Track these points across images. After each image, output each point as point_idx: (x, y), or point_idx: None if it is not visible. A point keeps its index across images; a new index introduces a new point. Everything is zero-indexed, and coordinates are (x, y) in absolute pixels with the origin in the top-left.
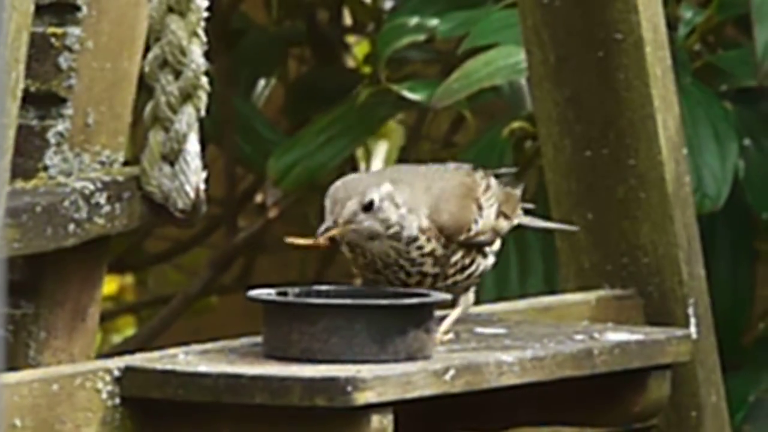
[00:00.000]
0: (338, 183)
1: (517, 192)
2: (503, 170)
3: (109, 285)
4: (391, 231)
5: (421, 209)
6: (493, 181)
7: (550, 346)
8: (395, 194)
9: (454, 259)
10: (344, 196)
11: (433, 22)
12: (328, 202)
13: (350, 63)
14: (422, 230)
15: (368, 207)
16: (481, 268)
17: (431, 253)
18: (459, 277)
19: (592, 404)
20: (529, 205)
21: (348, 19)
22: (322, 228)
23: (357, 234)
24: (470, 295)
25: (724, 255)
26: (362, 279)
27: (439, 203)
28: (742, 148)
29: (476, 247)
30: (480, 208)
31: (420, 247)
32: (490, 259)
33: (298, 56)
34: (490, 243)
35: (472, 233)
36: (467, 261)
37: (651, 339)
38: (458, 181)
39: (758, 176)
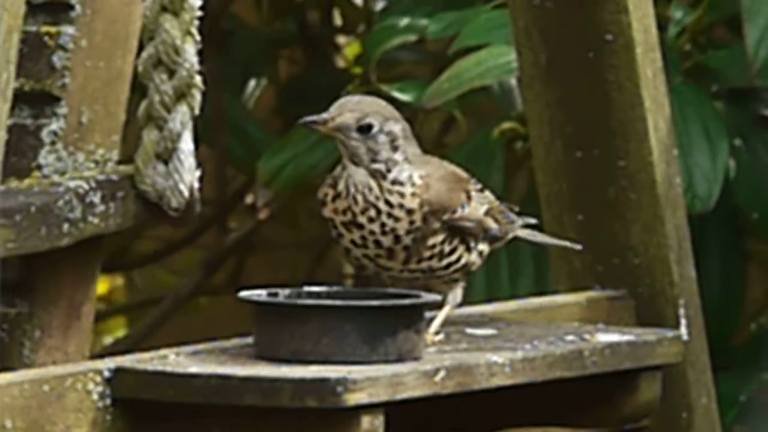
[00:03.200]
0: (358, 96)
1: (514, 217)
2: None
3: (100, 286)
4: (375, 166)
5: (421, 168)
6: (490, 194)
7: (540, 347)
8: (399, 139)
9: (432, 240)
10: (349, 107)
11: (424, 22)
12: (337, 102)
13: (341, 64)
14: (412, 181)
15: (363, 129)
16: (463, 261)
17: (409, 213)
18: (436, 264)
19: (583, 405)
20: (532, 220)
21: (338, 20)
22: (311, 118)
23: (342, 148)
24: (458, 293)
25: (715, 256)
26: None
27: (429, 181)
28: (733, 148)
29: (459, 236)
30: (469, 198)
31: (402, 194)
32: (474, 257)
33: (288, 57)
34: (476, 234)
35: (456, 215)
36: (447, 248)
37: (642, 340)
38: (452, 169)
39: (749, 176)
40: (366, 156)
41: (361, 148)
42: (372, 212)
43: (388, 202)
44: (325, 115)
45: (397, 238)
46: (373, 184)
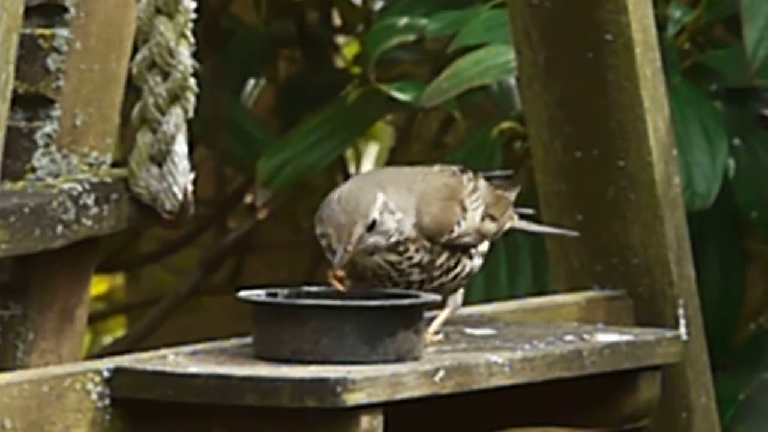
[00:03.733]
0: (334, 206)
1: (511, 195)
2: (498, 173)
3: (100, 285)
4: (392, 240)
5: (411, 209)
6: (482, 183)
7: (540, 347)
8: (389, 202)
9: (438, 261)
10: (348, 221)
11: (423, 22)
12: (331, 230)
13: (340, 63)
14: (410, 239)
15: (371, 227)
16: (468, 269)
17: (419, 263)
18: (444, 279)
19: (582, 405)
20: (528, 210)
21: (337, 20)
22: (338, 258)
23: (363, 252)
24: (458, 296)
25: (714, 256)
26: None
27: (420, 205)
28: (732, 148)
29: (461, 249)
30: (464, 209)
31: (410, 258)
32: (477, 261)
33: (287, 57)
34: (475, 245)
35: (454, 234)
36: (452, 263)
37: (641, 340)
38: (441, 182)
39: (748, 176)
40: (383, 240)
41: (379, 239)
42: (382, 278)
43: (398, 270)
44: (341, 250)
45: (411, 282)
46: (383, 263)
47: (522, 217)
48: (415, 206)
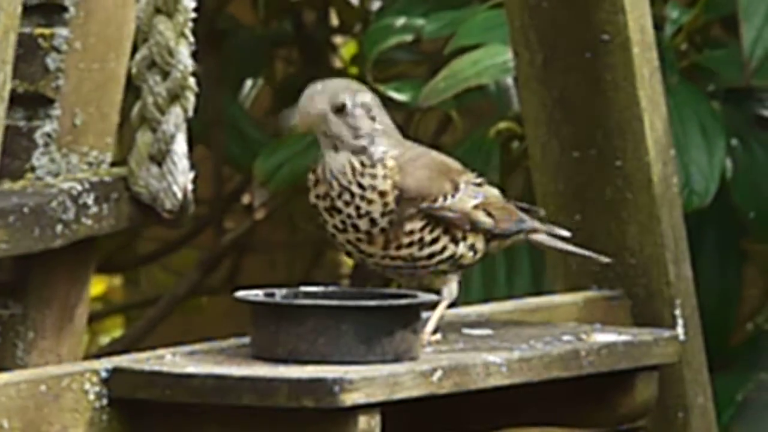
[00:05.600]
0: (318, 83)
1: (522, 214)
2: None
3: (97, 286)
4: (359, 142)
5: (394, 147)
6: (492, 189)
7: (537, 347)
8: (373, 108)
9: (409, 226)
10: (318, 92)
11: (420, 22)
12: (301, 98)
13: (337, 64)
14: (383, 163)
15: (339, 109)
16: (448, 252)
17: (382, 195)
18: (417, 252)
19: (580, 405)
20: (564, 232)
21: (335, 20)
22: (289, 118)
23: (324, 137)
24: (453, 288)
25: (712, 256)
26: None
27: (409, 165)
28: (730, 148)
29: (442, 227)
30: (455, 188)
31: (374, 176)
32: (461, 248)
33: (285, 57)
34: (459, 226)
35: (436, 205)
36: (427, 236)
37: (638, 340)
38: (442, 159)
39: (745, 176)
40: (349, 135)
41: (343, 128)
42: (347, 196)
43: (360, 185)
44: (299, 112)
45: (373, 221)
46: (348, 167)
47: (553, 236)
48: (401, 164)
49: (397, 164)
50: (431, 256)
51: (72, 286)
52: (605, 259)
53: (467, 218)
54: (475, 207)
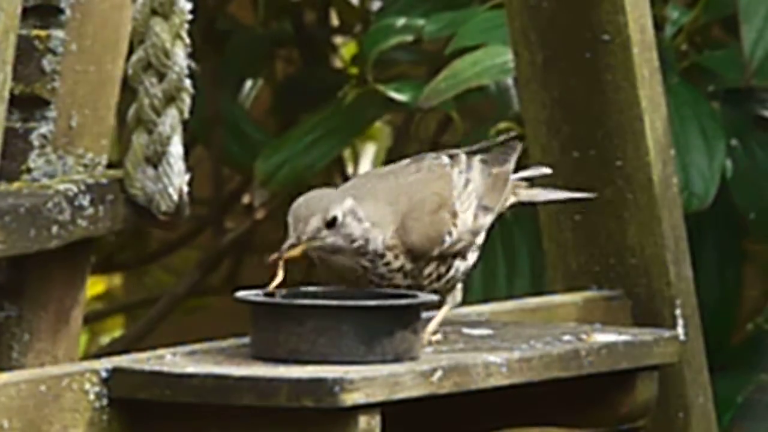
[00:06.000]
0: (300, 200)
1: (508, 166)
2: (501, 138)
3: (98, 285)
4: (356, 245)
5: (387, 224)
6: (475, 168)
7: (537, 347)
8: (357, 209)
9: (427, 271)
10: (307, 213)
11: (420, 22)
12: (290, 219)
13: (337, 64)
14: (388, 247)
15: (331, 223)
16: (462, 269)
17: (400, 269)
18: (437, 285)
19: (580, 405)
20: (544, 169)
21: (335, 20)
22: (286, 245)
23: (321, 250)
24: (457, 294)
25: (712, 256)
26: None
27: (407, 221)
28: (730, 148)
29: (452, 255)
30: (454, 215)
31: (387, 263)
32: (471, 258)
33: (285, 57)
34: (468, 246)
35: (445, 246)
36: (443, 269)
37: (638, 340)
38: (430, 191)
39: (746, 177)
40: (345, 243)
41: (339, 240)
42: (367, 281)
43: (379, 275)
44: (292, 238)
45: (397, 287)
46: (358, 267)
47: (532, 184)
48: (399, 223)
49: (398, 236)
50: (448, 280)
51: (68, 288)
52: (591, 195)
53: (472, 234)
54: (475, 216)
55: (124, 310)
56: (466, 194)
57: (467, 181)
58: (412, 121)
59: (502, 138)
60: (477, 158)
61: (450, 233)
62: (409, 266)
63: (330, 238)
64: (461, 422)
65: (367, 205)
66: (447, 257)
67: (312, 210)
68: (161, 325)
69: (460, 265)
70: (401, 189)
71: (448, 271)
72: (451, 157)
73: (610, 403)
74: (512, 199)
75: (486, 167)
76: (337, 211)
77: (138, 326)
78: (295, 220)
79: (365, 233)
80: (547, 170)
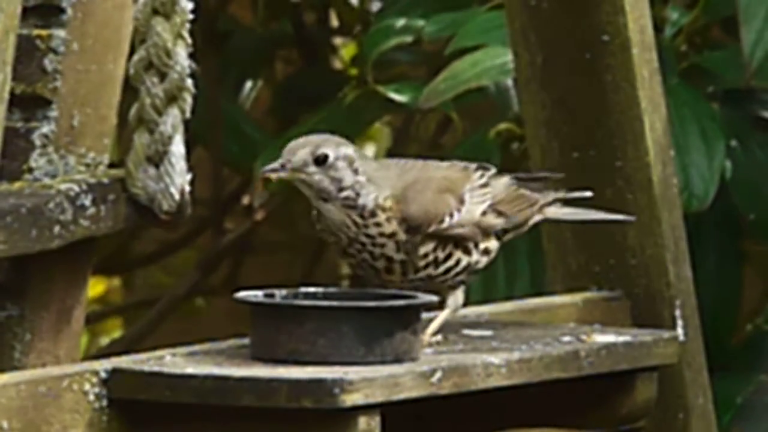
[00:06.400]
0: (301, 137)
1: (541, 196)
2: (543, 174)
3: (97, 287)
4: (343, 194)
5: (385, 186)
6: (501, 181)
7: (537, 348)
8: (357, 162)
9: (423, 250)
10: (298, 145)
11: (420, 23)
12: (284, 150)
13: (337, 64)
14: (381, 207)
15: (320, 160)
16: (463, 264)
17: (392, 236)
18: (433, 271)
19: (580, 406)
20: (588, 193)
21: (335, 21)
22: (268, 167)
23: (308, 188)
24: (459, 296)
25: (712, 257)
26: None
27: (408, 192)
28: (729, 149)
29: (453, 242)
30: (461, 202)
31: (378, 224)
32: (475, 256)
33: (285, 58)
34: (472, 238)
35: (444, 225)
36: (441, 255)
37: (638, 341)
38: (442, 174)
39: (745, 177)
40: (332, 187)
41: (325, 181)
42: (357, 245)
43: (368, 235)
44: (280, 161)
45: (390, 259)
46: (348, 221)
47: (568, 203)
48: (400, 191)
49: (395, 199)
50: (447, 271)
51: (69, 288)
52: (630, 218)
53: (477, 227)
54: (484, 213)
55: (124, 311)
56: (480, 192)
57: (486, 184)
58: (411, 121)
59: (544, 174)
60: (509, 176)
61: (451, 215)
62: (402, 236)
63: (317, 176)
64: (461, 423)
65: (372, 164)
66: (446, 241)
67: (305, 144)
68: (161, 325)
69: (462, 259)
70: (416, 167)
71: (447, 259)
72: (482, 167)
73: (610, 404)
74: (538, 217)
75: (514, 183)
76: (329, 151)
77: (138, 327)
78: (288, 149)
79: (357, 186)
80: (588, 194)
